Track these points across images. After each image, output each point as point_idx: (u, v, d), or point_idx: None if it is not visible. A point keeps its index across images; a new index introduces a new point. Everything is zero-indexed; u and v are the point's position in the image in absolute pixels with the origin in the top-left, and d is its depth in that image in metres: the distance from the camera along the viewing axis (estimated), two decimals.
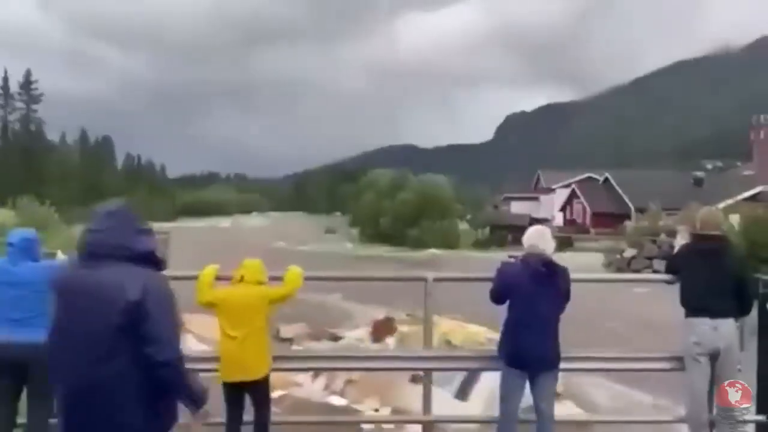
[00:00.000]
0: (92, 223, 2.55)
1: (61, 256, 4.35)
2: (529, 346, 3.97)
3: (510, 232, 47.12)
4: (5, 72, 72.60)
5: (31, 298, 3.86)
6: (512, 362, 4.04)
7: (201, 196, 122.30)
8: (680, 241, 5.06)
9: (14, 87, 72.66)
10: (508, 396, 4.08)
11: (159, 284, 2.50)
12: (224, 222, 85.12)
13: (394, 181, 51.88)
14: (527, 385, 4.07)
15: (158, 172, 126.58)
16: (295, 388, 6.67)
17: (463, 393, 6.06)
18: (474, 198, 74.02)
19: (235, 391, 4.05)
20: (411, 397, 5.69)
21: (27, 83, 72.70)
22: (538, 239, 4.08)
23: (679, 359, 4.46)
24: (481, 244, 45.00)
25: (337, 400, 6.37)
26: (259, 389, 4.08)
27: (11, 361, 3.82)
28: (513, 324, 4.03)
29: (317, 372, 6.52)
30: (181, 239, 47.29)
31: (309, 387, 6.80)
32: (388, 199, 48.56)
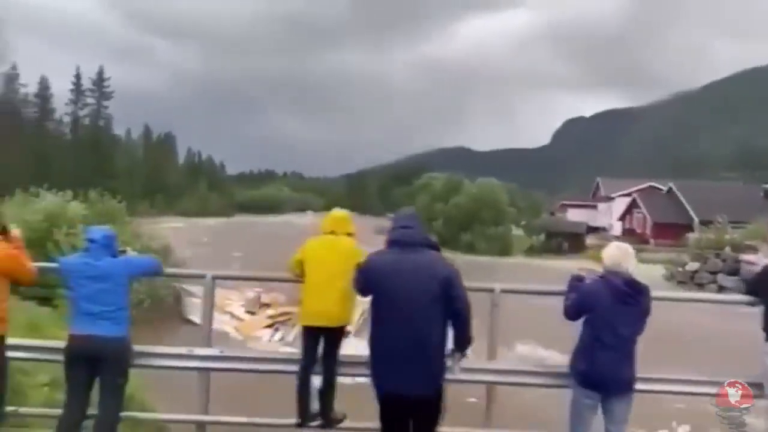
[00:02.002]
0: (400, 221, 3.68)
1: (131, 252, 4.43)
2: (606, 366, 3.79)
3: (566, 239, 46.15)
4: (77, 69, 76.06)
5: (111, 292, 3.98)
6: (586, 382, 3.86)
7: (258, 193, 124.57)
8: (762, 259, 4.77)
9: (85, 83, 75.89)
10: (579, 419, 3.90)
11: (449, 262, 3.62)
12: (279, 219, 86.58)
13: (448, 185, 51.53)
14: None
15: (218, 168, 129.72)
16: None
17: None
18: (529, 204, 72.85)
19: (314, 336, 4.37)
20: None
21: (99, 80, 75.66)
22: (622, 257, 3.90)
23: (758, 386, 4.19)
24: (535, 251, 44.21)
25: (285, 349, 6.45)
26: (334, 337, 4.37)
27: (88, 354, 3.93)
28: (589, 342, 3.86)
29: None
30: (241, 234, 48.69)
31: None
32: (441, 202, 48.27)
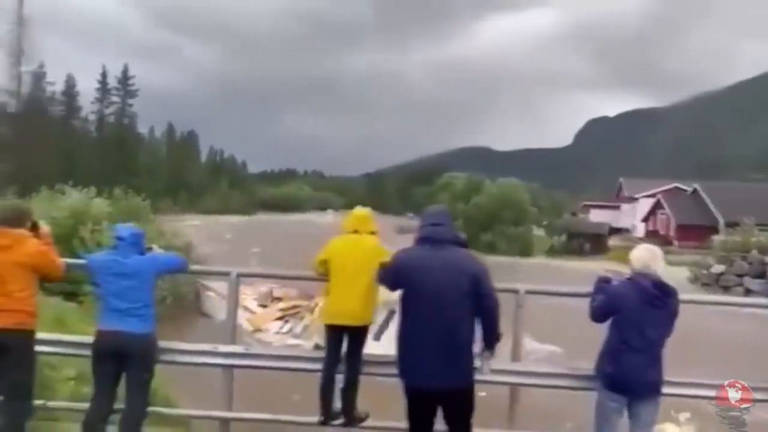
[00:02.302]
0: (430, 218, 3.76)
1: (157, 249, 4.47)
2: (634, 369, 3.73)
3: (588, 240, 45.67)
4: (104, 68, 77.32)
5: (138, 289, 4.04)
6: (612, 385, 3.81)
7: (279, 191, 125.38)
8: None
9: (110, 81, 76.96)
10: (604, 422, 3.85)
11: (478, 259, 3.73)
12: (299, 217, 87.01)
13: (468, 185, 51.32)
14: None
15: (239, 166, 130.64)
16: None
17: (378, 335, 8.38)
18: (550, 204, 72.28)
19: (337, 334, 4.39)
20: None
21: (124, 78, 76.74)
22: (651, 259, 3.84)
23: None
24: (556, 252, 43.84)
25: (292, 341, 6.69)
26: (358, 336, 4.38)
27: (115, 350, 3.98)
28: (617, 345, 3.80)
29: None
30: (262, 232, 49.08)
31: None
32: (462, 202, 48.12)
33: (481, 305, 3.60)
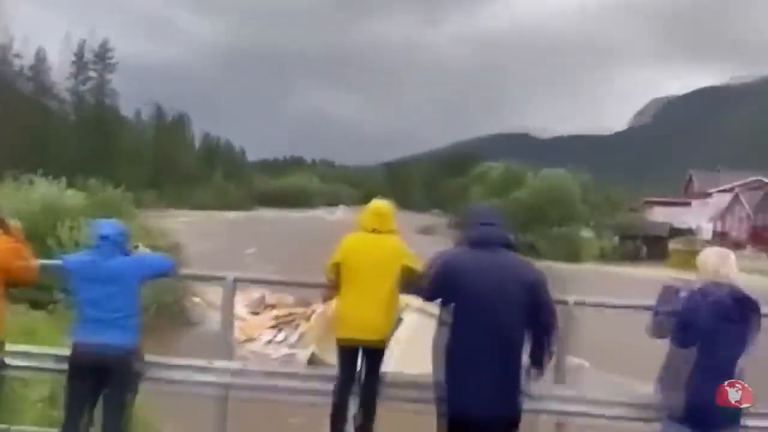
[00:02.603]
0: (480, 217, 3.86)
1: (143, 249, 4.52)
2: (707, 396, 3.68)
3: (645, 243, 45.28)
4: (83, 42, 77.83)
5: (121, 296, 4.09)
6: (681, 416, 3.75)
7: (282, 183, 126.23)
8: None
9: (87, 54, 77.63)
10: None
11: (534, 265, 3.84)
12: (306, 214, 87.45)
13: (507, 176, 51.30)
14: None
15: (237, 154, 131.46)
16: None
17: None
18: (604, 200, 71.56)
19: (352, 351, 4.42)
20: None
21: (103, 51, 77.51)
22: (722, 265, 3.79)
23: None
24: (608, 257, 43.56)
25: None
26: (376, 353, 4.41)
27: (94, 365, 4.03)
28: (685, 368, 3.75)
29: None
30: (260, 230, 49.29)
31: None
32: (498, 196, 48.00)
33: (537, 318, 3.68)
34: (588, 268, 37.03)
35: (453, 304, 3.69)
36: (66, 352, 4.23)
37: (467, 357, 3.63)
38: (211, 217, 63.69)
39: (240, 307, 17.95)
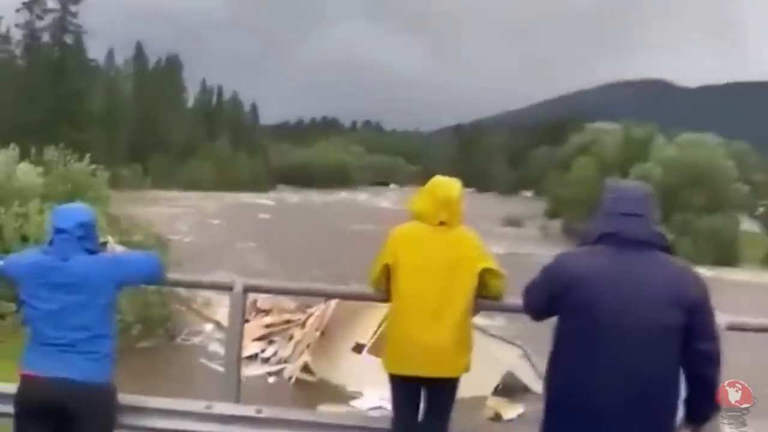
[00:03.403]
0: (620, 204, 3.62)
1: (114, 246, 4.54)
2: None
3: None
4: None
5: (87, 309, 4.08)
6: None
7: (309, 155, 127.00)
8: None
9: None
10: None
11: (698, 275, 3.64)
12: (342, 196, 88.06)
13: (629, 143, 50.63)
14: None
15: (246, 114, 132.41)
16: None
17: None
18: None
19: (411, 388, 4.43)
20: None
21: None
22: None
23: None
24: None
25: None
26: (445, 391, 4.43)
27: (50, 408, 4.03)
28: None
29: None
30: (276, 220, 49.61)
31: None
32: (616, 172, 47.48)
33: (694, 350, 3.51)
34: (748, 275, 36.39)
35: (569, 328, 3.59)
36: (11, 388, 4.25)
37: (585, 392, 3.49)
38: (212, 201, 64.64)
39: (223, 311, 18.40)
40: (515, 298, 4.19)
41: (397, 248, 4.42)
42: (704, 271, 36.29)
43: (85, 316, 4.07)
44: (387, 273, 4.42)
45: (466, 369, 4.41)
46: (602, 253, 3.56)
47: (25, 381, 4.13)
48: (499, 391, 16.70)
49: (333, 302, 17.53)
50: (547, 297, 3.66)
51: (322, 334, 17.52)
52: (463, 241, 4.38)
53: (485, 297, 4.45)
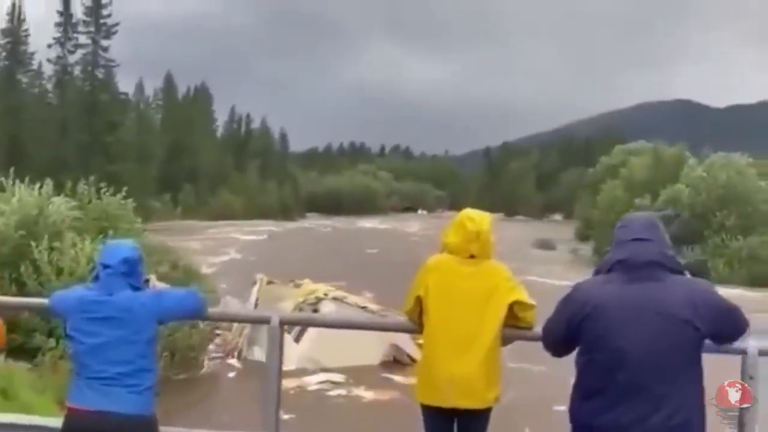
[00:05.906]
0: (631, 231, 3.70)
1: (155, 282, 4.62)
2: None
3: None
4: None
5: (132, 344, 4.16)
6: None
7: (337, 182, 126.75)
8: None
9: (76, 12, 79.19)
10: None
11: (711, 289, 3.68)
12: (369, 223, 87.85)
13: (658, 164, 50.14)
14: None
15: (275, 141, 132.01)
16: None
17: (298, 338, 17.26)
18: None
19: (443, 419, 4.45)
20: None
21: (96, 6, 78.40)
22: None
23: None
24: None
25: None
26: (476, 423, 4.46)
27: None
28: None
29: None
30: (308, 250, 49.62)
31: None
32: (646, 195, 47.14)
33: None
34: None
35: (587, 358, 3.59)
36: (55, 422, 4.35)
37: (602, 428, 3.46)
38: (240, 232, 64.63)
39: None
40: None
41: (429, 280, 4.47)
42: (740, 293, 36.00)
43: (128, 350, 4.15)
44: (420, 304, 4.48)
45: (497, 400, 4.42)
46: (616, 280, 3.57)
47: (71, 414, 4.20)
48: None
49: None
50: (566, 327, 3.67)
51: None
52: (493, 273, 4.45)
53: (515, 327, 4.47)
